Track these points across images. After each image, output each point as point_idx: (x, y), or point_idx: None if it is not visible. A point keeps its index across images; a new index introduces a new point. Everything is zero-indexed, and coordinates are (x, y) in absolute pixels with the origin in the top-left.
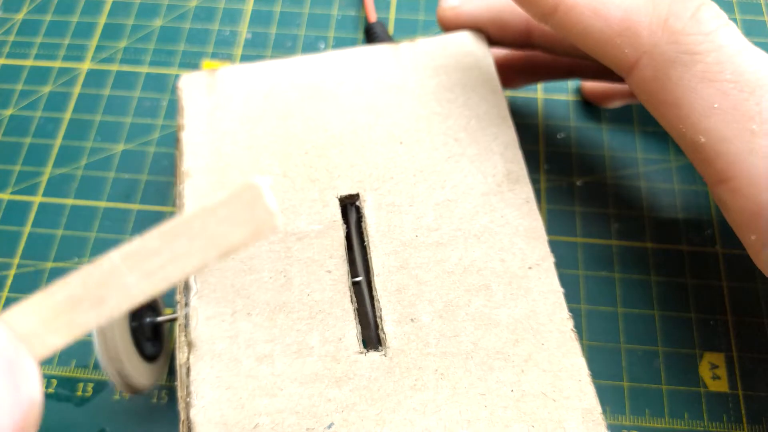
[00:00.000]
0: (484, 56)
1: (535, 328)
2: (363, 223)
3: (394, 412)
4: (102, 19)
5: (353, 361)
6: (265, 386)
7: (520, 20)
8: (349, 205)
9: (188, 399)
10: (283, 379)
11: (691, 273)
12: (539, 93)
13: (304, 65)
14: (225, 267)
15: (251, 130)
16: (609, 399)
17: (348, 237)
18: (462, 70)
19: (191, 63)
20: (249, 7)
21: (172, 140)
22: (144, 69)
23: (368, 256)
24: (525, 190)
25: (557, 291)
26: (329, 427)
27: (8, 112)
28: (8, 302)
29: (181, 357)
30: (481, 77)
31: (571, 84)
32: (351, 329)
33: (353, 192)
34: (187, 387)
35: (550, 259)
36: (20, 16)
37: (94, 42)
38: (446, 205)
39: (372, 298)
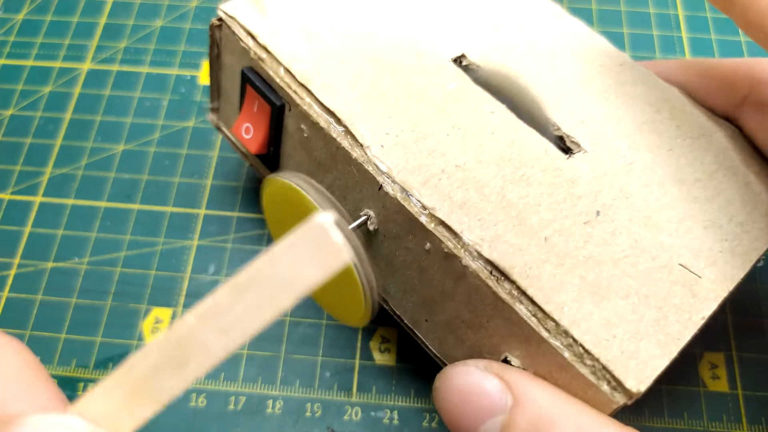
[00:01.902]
0: None
1: (659, 95)
2: (482, 71)
3: (624, 189)
4: (102, 20)
5: (569, 165)
6: (521, 211)
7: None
8: (460, 66)
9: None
10: (536, 201)
11: None
12: None
13: None
14: (402, 142)
15: (336, 35)
16: None
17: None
18: None
19: (191, 63)
20: None
21: (172, 140)
22: (144, 69)
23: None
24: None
25: (649, 74)
26: (598, 215)
27: (9, 112)
28: (8, 302)
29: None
30: None
31: None
32: (547, 144)
33: (458, 54)
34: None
35: (626, 56)
36: (21, 17)
37: (94, 42)
38: (524, 30)
39: (544, 118)
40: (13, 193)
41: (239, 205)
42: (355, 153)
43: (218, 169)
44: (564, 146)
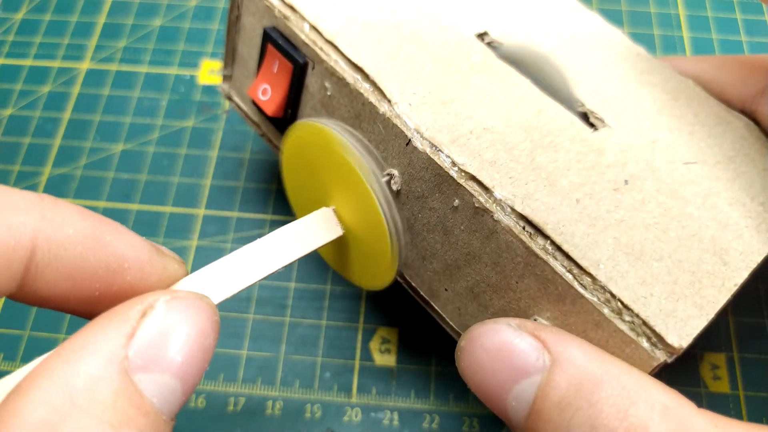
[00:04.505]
0: None
1: (676, 85)
2: (506, 46)
3: (650, 163)
4: (101, 19)
5: (595, 137)
6: (550, 174)
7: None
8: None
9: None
10: (565, 165)
11: None
12: None
13: None
14: (429, 102)
15: (360, 3)
16: None
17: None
18: None
19: (191, 62)
20: None
21: (171, 140)
22: (143, 69)
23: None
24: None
25: (665, 65)
26: (626, 184)
27: (7, 112)
28: (8, 302)
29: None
30: None
31: None
32: (572, 116)
33: (482, 31)
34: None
35: (642, 48)
36: (19, 16)
37: (93, 42)
38: (543, 17)
39: (568, 93)
40: None
41: (239, 205)
42: (383, 108)
43: (218, 169)
44: (588, 122)
